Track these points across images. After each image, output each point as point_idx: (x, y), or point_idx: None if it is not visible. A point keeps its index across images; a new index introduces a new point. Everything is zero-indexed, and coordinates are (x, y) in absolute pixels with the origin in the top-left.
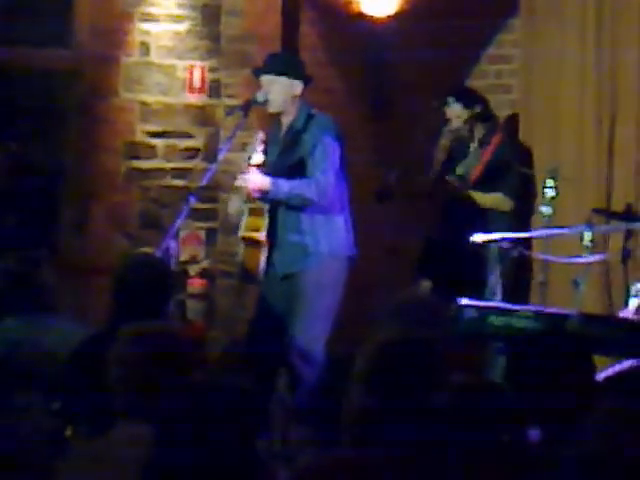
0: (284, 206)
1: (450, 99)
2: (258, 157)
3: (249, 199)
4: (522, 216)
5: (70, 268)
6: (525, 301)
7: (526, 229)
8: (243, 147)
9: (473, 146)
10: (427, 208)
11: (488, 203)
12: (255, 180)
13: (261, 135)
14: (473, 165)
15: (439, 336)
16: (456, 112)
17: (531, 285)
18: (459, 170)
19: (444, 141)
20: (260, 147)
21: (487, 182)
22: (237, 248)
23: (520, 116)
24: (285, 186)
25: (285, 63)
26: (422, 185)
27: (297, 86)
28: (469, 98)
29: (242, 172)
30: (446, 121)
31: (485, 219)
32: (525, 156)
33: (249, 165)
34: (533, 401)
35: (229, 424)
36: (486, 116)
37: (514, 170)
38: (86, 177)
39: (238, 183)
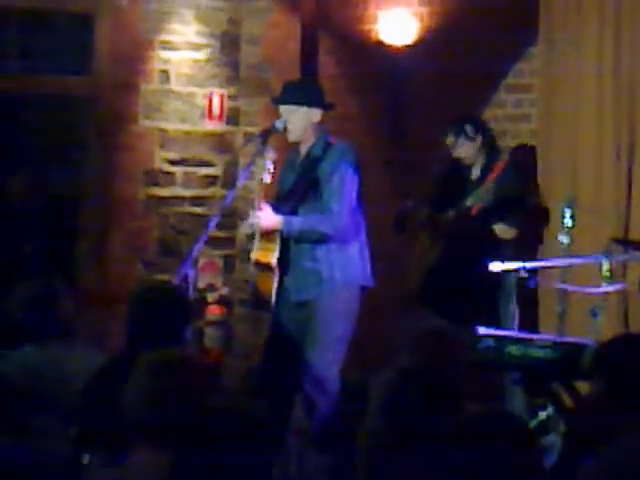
0: None
1: (450, 132)
2: (268, 177)
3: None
4: (530, 244)
5: (88, 295)
6: (535, 330)
7: (534, 257)
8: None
9: (475, 174)
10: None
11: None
12: (267, 219)
13: (272, 154)
14: (484, 197)
15: (456, 365)
16: (458, 144)
17: (549, 314)
18: (470, 201)
19: (438, 170)
20: (271, 166)
21: (490, 210)
22: (250, 272)
23: (539, 145)
24: (298, 223)
25: (303, 91)
26: (422, 218)
27: (316, 113)
28: (470, 129)
29: (255, 200)
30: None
31: (488, 247)
32: (531, 185)
33: (262, 184)
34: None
35: (245, 451)
36: (489, 145)
37: (515, 199)
38: (105, 204)
39: (251, 221)
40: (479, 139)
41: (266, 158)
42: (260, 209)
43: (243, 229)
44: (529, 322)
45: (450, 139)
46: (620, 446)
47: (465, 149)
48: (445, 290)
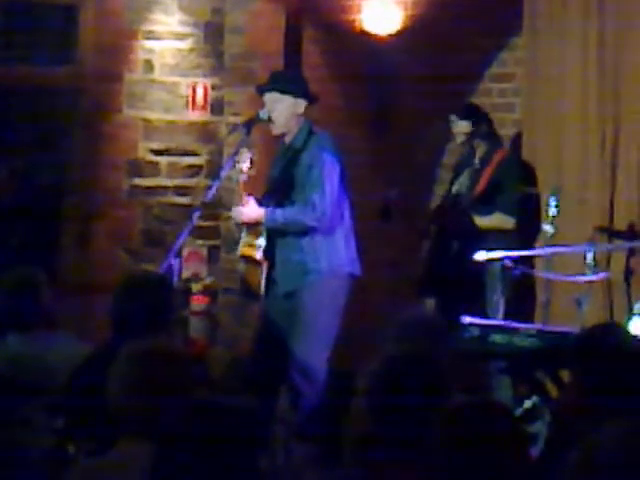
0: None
1: (455, 117)
2: (245, 177)
3: None
4: (527, 234)
5: (72, 285)
6: (528, 319)
7: (530, 247)
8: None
9: (475, 164)
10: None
11: (489, 224)
12: (250, 212)
13: (248, 153)
14: (466, 184)
15: (441, 354)
16: (462, 129)
17: (534, 303)
18: (455, 189)
19: (448, 160)
20: (247, 165)
21: (488, 200)
22: (238, 265)
23: (523, 135)
24: (280, 215)
25: (289, 81)
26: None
27: (300, 104)
28: (476, 115)
29: (236, 198)
30: (449, 139)
31: (487, 237)
32: (529, 174)
33: (239, 184)
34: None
35: (230, 443)
36: (489, 134)
37: (515, 188)
38: (88, 194)
39: (233, 215)
40: (481, 129)
41: (243, 160)
42: (243, 204)
43: (235, 231)
44: (521, 311)
45: (454, 124)
46: (604, 435)
47: (458, 136)
48: (443, 280)
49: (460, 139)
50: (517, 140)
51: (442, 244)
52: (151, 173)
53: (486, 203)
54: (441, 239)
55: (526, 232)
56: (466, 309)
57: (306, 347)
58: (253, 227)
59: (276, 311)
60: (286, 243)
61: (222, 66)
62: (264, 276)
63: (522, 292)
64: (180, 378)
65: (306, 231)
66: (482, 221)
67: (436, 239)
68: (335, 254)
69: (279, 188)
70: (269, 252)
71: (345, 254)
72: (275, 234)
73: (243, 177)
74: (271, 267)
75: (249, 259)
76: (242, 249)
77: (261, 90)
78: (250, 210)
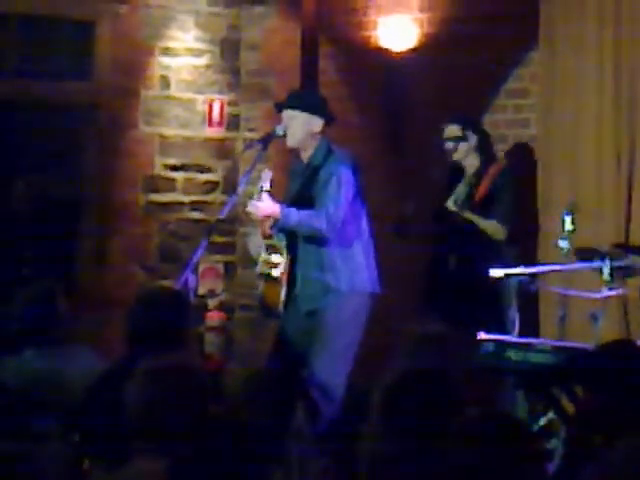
0: (304, 243)
1: (448, 122)
2: (264, 196)
3: (266, 236)
4: (526, 249)
5: (88, 300)
6: (542, 335)
7: (530, 262)
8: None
9: (468, 176)
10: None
11: (484, 226)
12: (265, 207)
13: (268, 173)
14: (462, 198)
15: (455, 370)
16: (452, 133)
17: (549, 319)
18: (450, 203)
19: (440, 170)
20: (267, 185)
21: (485, 213)
22: (257, 282)
23: (539, 150)
24: (295, 214)
25: (307, 99)
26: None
27: (317, 123)
28: (467, 122)
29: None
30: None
31: (485, 253)
32: (526, 189)
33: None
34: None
35: (245, 458)
36: (484, 147)
37: (509, 201)
38: (105, 210)
39: (249, 209)
40: (473, 140)
41: (264, 179)
42: (259, 199)
43: (251, 245)
44: (530, 326)
45: (447, 139)
46: (619, 452)
47: (459, 149)
48: (444, 294)
49: (448, 145)
50: (511, 155)
51: (441, 256)
52: (167, 189)
53: (483, 215)
54: (440, 250)
55: (526, 247)
56: (481, 324)
57: (326, 365)
58: (273, 247)
59: (295, 328)
60: (307, 261)
61: (238, 82)
62: (284, 293)
63: (537, 307)
64: (195, 394)
65: (325, 245)
66: (478, 221)
67: (435, 251)
68: (355, 273)
69: (298, 204)
70: (291, 269)
71: (365, 272)
72: (297, 252)
73: (262, 198)
74: (291, 284)
75: (268, 277)
76: (262, 267)
77: (279, 107)
78: (266, 205)
